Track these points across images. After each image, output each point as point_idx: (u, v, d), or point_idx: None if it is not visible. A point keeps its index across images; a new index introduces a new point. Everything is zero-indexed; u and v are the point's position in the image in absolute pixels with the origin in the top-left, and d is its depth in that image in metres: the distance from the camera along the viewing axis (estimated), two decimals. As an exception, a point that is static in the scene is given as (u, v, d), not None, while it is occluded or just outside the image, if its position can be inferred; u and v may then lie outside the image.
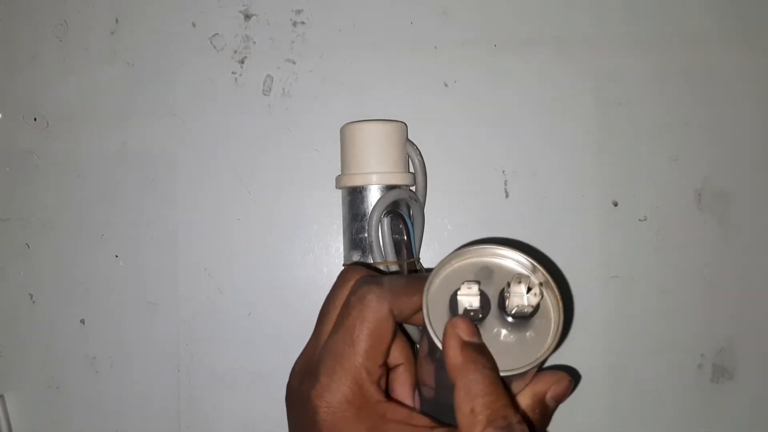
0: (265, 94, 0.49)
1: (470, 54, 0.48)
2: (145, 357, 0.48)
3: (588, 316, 0.47)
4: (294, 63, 0.49)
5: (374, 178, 0.43)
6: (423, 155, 0.46)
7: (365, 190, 0.43)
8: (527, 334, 0.29)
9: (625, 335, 0.47)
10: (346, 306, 0.32)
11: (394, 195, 0.43)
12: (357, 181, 0.43)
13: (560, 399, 0.31)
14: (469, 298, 0.28)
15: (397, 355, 0.34)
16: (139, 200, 0.49)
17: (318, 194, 0.48)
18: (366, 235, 0.43)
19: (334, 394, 0.30)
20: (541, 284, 0.29)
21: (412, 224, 0.44)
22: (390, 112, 0.48)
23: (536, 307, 0.29)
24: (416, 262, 0.44)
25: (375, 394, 0.30)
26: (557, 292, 0.29)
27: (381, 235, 0.42)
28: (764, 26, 0.48)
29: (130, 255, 0.49)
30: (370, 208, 0.43)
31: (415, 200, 0.44)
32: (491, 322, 0.29)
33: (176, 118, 0.49)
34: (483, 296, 0.29)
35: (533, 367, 0.28)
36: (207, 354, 0.48)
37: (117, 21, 0.49)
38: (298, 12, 0.49)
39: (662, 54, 0.48)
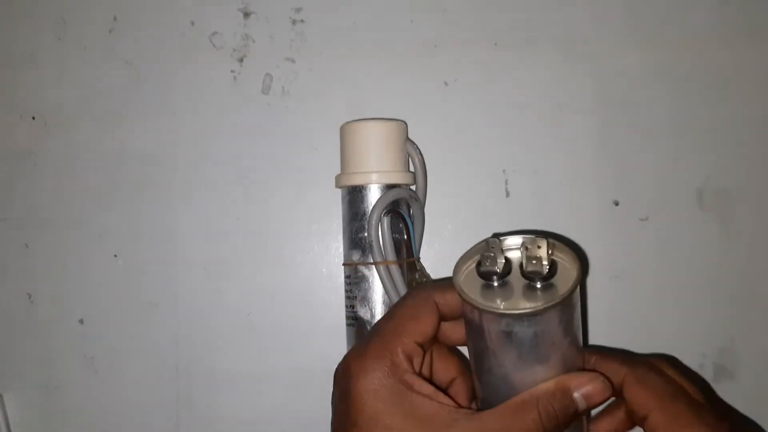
0: (264, 93, 0.49)
1: (470, 53, 0.48)
2: (143, 357, 0.48)
3: (589, 315, 0.47)
4: (293, 61, 0.49)
5: (374, 177, 0.43)
6: (423, 154, 0.46)
7: (365, 189, 0.43)
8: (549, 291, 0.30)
9: (626, 335, 0.47)
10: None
11: (394, 194, 0.42)
12: (357, 180, 0.43)
13: (591, 398, 0.31)
14: (492, 261, 0.30)
15: (452, 369, 0.36)
16: (137, 200, 0.49)
17: (317, 193, 0.48)
18: (366, 234, 0.42)
19: (368, 356, 0.31)
20: (553, 245, 0.30)
21: (412, 223, 0.44)
22: (390, 110, 0.48)
23: (553, 270, 0.30)
24: (416, 261, 0.44)
25: (403, 363, 0.31)
26: (570, 251, 0.31)
27: (381, 234, 0.42)
28: (766, 25, 0.48)
29: (128, 254, 0.48)
30: (370, 208, 0.42)
31: (415, 199, 0.44)
32: (514, 284, 0.30)
33: (175, 117, 0.49)
34: (507, 263, 0.31)
35: (551, 306, 0.28)
36: (206, 354, 0.48)
37: (115, 19, 0.49)
38: (298, 10, 0.49)
39: (663, 53, 0.48)
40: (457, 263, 0.32)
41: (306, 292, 0.48)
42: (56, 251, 0.49)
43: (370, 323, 0.42)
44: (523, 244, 0.30)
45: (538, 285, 0.30)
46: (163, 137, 0.49)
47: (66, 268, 0.49)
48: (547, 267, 0.30)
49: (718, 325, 0.47)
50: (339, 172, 0.45)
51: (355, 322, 0.43)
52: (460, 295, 0.30)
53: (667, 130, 0.48)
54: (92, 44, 0.49)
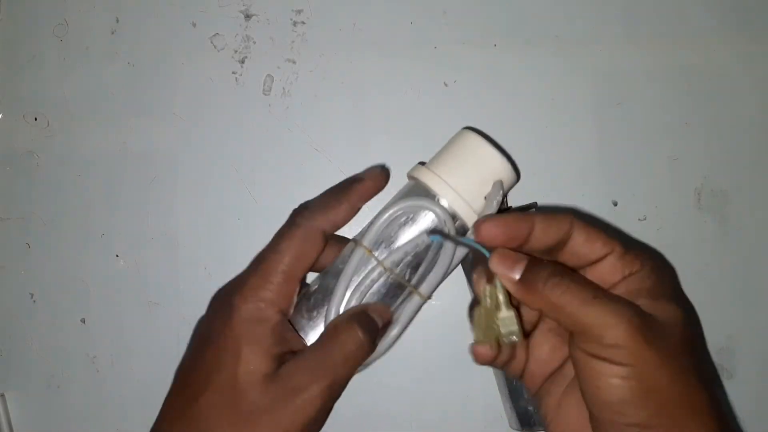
0: (265, 94, 0.49)
1: (470, 54, 0.48)
2: (145, 356, 0.48)
3: (588, 315, 0.47)
4: (294, 63, 0.49)
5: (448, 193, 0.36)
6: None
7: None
8: None
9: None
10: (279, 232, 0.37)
11: (435, 211, 0.36)
12: (429, 180, 0.37)
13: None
14: None
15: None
16: (139, 200, 0.49)
17: (318, 193, 0.48)
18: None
19: (258, 291, 0.35)
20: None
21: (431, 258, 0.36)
22: (390, 111, 0.48)
23: None
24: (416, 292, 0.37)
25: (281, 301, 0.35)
26: None
27: (378, 222, 0.36)
28: (764, 25, 0.48)
29: (130, 254, 0.49)
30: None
31: (450, 237, 0.36)
32: None
33: (177, 117, 0.49)
34: None
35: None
36: (207, 353, 0.48)
37: (117, 21, 0.49)
38: (299, 12, 0.49)
39: (662, 53, 0.48)
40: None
41: (307, 291, 0.48)
42: (58, 251, 0.49)
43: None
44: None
45: None
46: (164, 138, 0.49)
47: (68, 268, 0.49)
48: None
49: (716, 325, 0.47)
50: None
51: None
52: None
53: (665, 131, 0.48)
54: (94, 45, 0.50)
